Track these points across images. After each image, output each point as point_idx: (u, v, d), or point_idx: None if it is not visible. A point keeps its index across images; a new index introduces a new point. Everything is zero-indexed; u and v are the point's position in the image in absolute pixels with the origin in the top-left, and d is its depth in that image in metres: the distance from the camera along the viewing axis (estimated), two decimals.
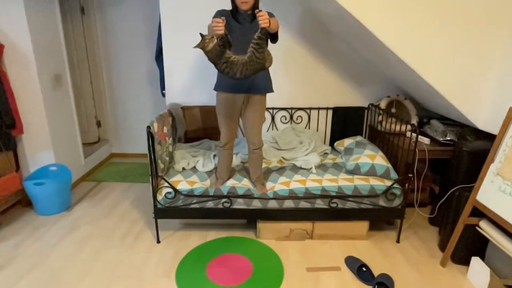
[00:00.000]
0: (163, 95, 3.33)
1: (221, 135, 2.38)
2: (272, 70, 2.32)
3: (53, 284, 2.02)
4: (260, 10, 1.81)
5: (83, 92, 3.86)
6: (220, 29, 1.78)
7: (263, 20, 1.78)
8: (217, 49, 1.80)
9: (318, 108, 3.21)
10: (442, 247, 2.36)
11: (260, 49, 1.84)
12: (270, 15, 2.01)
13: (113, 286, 2.01)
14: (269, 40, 2.18)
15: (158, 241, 2.44)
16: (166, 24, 3.00)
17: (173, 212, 2.36)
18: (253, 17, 2.15)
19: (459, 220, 2.13)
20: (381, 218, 2.59)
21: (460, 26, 2.08)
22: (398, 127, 2.72)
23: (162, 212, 2.36)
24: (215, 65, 1.89)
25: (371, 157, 2.50)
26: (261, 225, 2.44)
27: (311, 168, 2.61)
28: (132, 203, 3.03)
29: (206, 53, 1.83)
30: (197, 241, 2.45)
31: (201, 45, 1.82)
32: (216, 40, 1.80)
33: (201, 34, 1.82)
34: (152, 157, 2.25)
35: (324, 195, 2.35)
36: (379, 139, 2.97)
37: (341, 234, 2.48)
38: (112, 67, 3.90)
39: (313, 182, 2.41)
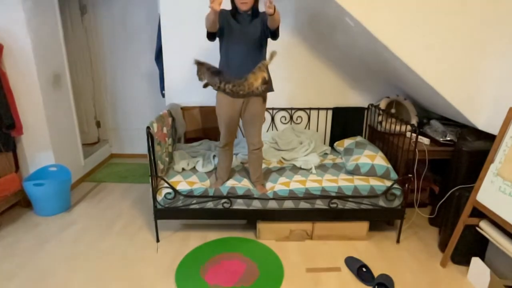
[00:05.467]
0: (163, 95, 3.32)
1: (221, 135, 2.38)
2: (272, 70, 2.32)
3: (53, 285, 2.01)
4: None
5: (83, 92, 3.85)
6: (217, 3, 1.80)
7: (269, 7, 1.81)
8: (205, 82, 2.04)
9: (318, 108, 3.20)
10: (442, 247, 2.36)
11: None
12: None
13: (112, 286, 2.00)
14: (269, 39, 2.19)
15: (158, 242, 2.44)
16: (166, 24, 3.00)
17: (173, 212, 2.36)
18: (253, 17, 2.15)
19: (459, 221, 2.13)
20: (381, 218, 2.59)
21: (460, 26, 2.08)
22: (398, 128, 2.72)
23: (162, 213, 2.35)
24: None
25: (371, 157, 2.50)
26: (261, 226, 2.44)
27: (311, 169, 2.60)
28: (132, 203, 3.03)
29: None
30: (197, 241, 2.45)
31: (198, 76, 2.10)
32: (205, 71, 2.03)
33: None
34: (152, 157, 2.25)
35: (324, 195, 2.35)
36: (379, 139, 2.97)
37: (341, 235, 2.48)
38: (112, 67, 3.89)
39: (313, 183, 2.40)
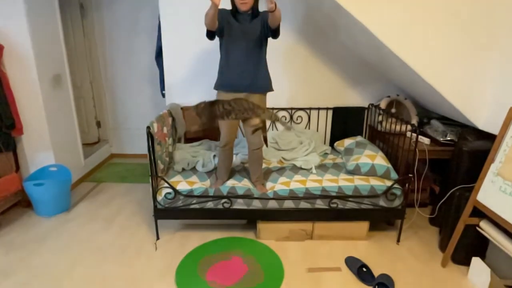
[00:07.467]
0: (163, 95, 3.32)
1: (221, 135, 2.38)
2: (272, 70, 2.32)
3: (53, 285, 2.01)
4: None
5: (83, 92, 3.86)
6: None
7: (271, 2, 1.82)
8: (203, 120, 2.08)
9: (318, 108, 3.20)
10: (443, 247, 2.35)
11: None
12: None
13: (113, 286, 2.00)
14: (269, 38, 2.20)
15: (158, 239, 2.44)
16: (166, 24, 3.00)
17: (173, 212, 2.36)
18: (253, 16, 2.15)
19: (460, 220, 2.12)
20: (381, 218, 2.59)
21: (460, 26, 2.08)
22: (398, 127, 2.71)
23: (162, 213, 2.35)
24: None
25: (371, 157, 2.49)
26: (261, 226, 2.44)
27: (311, 168, 2.60)
28: (132, 203, 3.02)
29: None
30: (197, 241, 2.45)
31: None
32: (204, 112, 2.04)
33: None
34: (152, 157, 2.25)
35: (324, 195, 2.35)
36: (379, 139, 2.97)
37: (341, 235, 2.48)
38: (112, 67, 3.90)
39: (313, 182, 2.40)
